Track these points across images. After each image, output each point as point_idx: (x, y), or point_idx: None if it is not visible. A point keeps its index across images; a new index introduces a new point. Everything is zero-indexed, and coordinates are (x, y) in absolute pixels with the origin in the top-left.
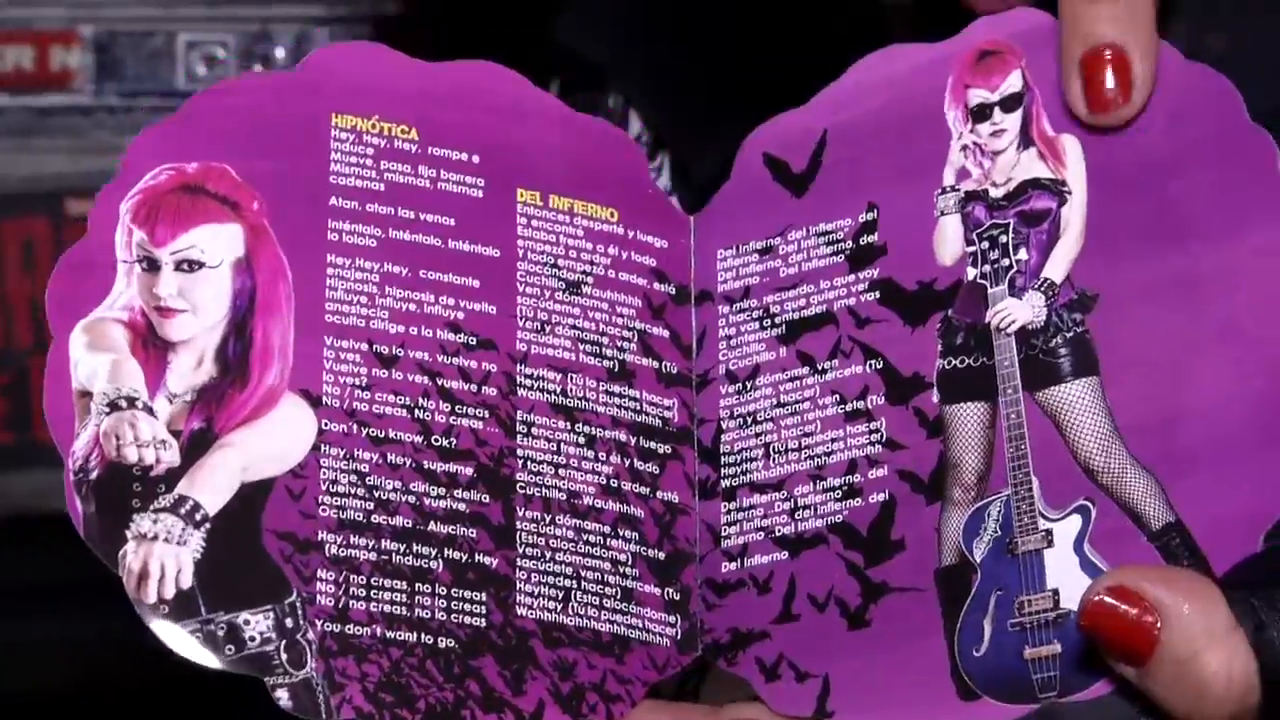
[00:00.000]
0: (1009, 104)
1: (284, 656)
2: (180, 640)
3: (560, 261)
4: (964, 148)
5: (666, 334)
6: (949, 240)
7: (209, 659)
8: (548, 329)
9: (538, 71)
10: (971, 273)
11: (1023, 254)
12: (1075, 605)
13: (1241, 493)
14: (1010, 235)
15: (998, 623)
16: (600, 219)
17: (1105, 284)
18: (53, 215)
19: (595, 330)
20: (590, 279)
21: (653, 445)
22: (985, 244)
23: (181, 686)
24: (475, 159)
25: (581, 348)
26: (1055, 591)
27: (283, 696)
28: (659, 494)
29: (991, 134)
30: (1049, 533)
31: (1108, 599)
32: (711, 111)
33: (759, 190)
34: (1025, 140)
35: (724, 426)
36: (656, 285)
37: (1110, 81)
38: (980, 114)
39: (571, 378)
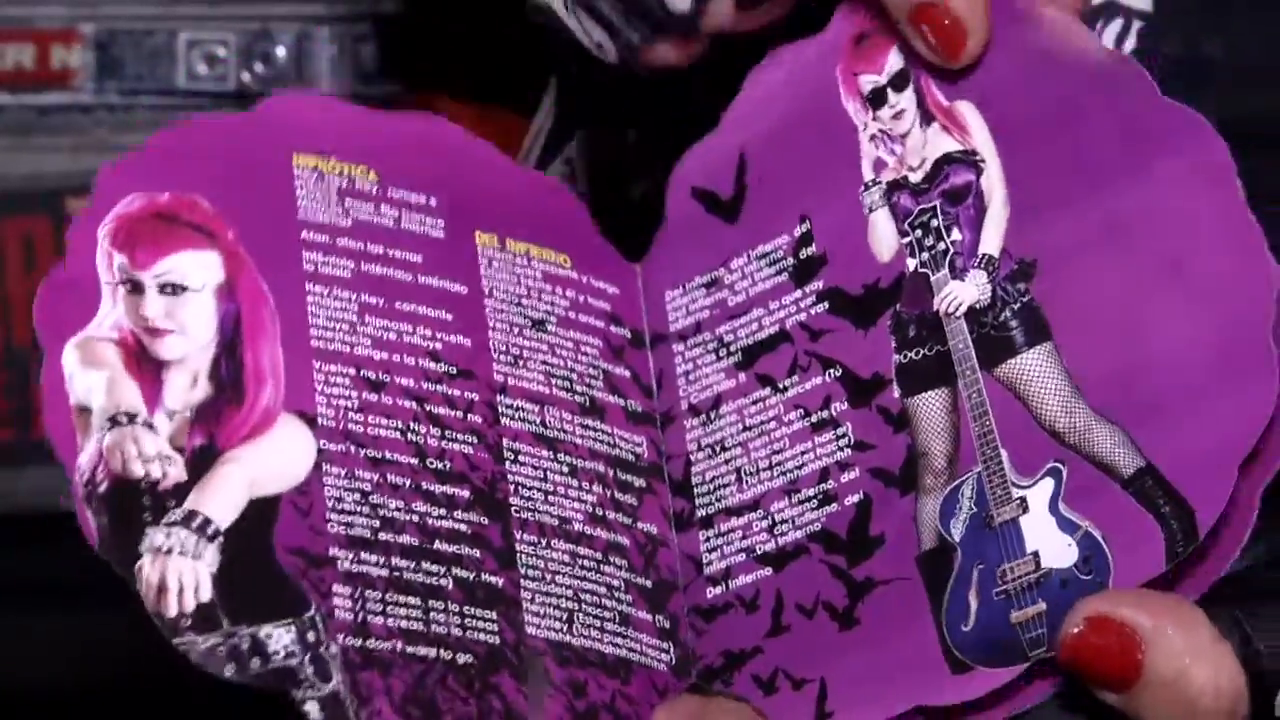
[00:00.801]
0: (898, 83)
1: (310, 670)
2: (205, 654)
3: (524, 301)
4: (872, 137)
5: (628, 374)
6: (883, 235)
7: (235, 672)
8: (521, 363)
9: (536, 72)
10: (911, 263)
11: (956, 234)
12: (1057, 564)
13: (1209, 425)
14: (940, 218)
15: (983, 595)
16: (555, 263)
17: (1040, 248)
18: (53, 214)
19: (564, 367)
20: (553, 318)
21: (629, 478)
22: (919, 232)
23: (182, 686)
24: (433, 201)
25: (554, 382)
26: (1036, 554)
27: (313, 709)
28: (639, 525)
29: (893, 117)
30: (1023, 500)
31: (1086, 631)
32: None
33: (693, 225)
34: (925, 116)
35: (693, 459)
36: (613, 328)
37: (943, 21)
38: (876, 99)
39: (548, 410)
